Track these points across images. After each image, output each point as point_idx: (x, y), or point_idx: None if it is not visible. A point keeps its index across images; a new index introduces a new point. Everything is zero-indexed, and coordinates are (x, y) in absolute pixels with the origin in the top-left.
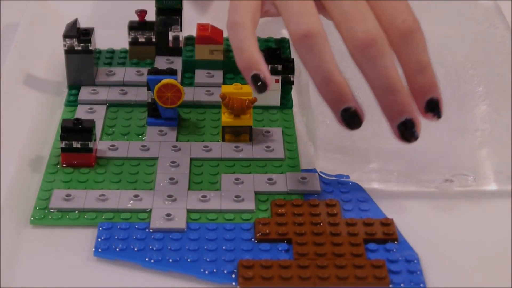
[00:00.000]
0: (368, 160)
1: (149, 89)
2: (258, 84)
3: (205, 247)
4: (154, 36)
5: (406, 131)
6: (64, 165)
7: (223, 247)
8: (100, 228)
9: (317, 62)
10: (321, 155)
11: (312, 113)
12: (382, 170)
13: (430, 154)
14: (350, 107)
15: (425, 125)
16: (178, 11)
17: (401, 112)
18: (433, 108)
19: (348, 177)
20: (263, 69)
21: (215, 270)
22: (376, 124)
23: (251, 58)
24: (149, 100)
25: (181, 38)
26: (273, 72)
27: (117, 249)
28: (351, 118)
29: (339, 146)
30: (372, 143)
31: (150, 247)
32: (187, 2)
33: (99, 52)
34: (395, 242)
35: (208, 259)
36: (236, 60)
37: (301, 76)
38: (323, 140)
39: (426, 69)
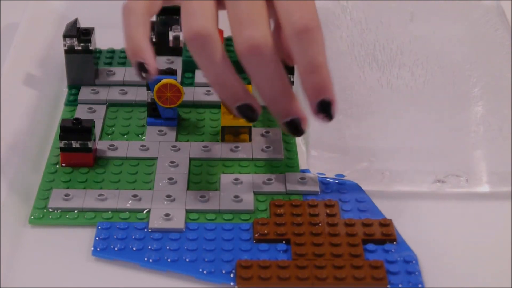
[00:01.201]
0: (360, 159)
1: (148, 89)
2: (141, 72)
3: (204, 247)
4: (154, 36)
5: (292, 128)
6: (63, 164)
7: (222, 247)
8: (99, 228)
9: (207, 64)
10: (313, 154)
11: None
12: (374, 169)
13: (423, 154)
14: (243, 104)
15: (420, 125)
16: (178, 11)
17: (286, 115)
18: (324, 109)
19: (342, 175)
20: (148, 57)
21: (213, 270)
22: (369, 123)
23: (137, 46)
24: (149, 100)
25: (181, 38)
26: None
27: (116, 249)
28: (246, 113)
29: (332, 145)
30: (364, 142)
31: (149, 247)
32: None
33: (99, 52)
34: (394, 242)
35: (206, 259)
36: (125, 46)
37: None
38: (315, 138)
39: (319, 69)
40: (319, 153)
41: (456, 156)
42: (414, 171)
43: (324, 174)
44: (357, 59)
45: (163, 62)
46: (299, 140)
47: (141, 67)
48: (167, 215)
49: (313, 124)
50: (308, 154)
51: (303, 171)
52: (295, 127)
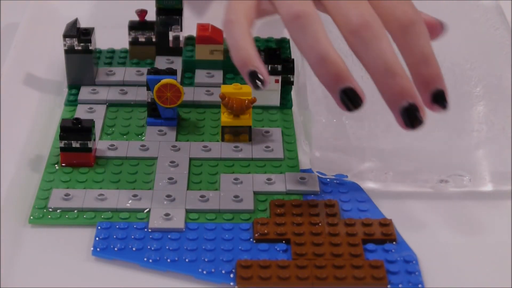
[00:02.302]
0: (364, 159)
1: (148, 89)
2: (256, 80)
3: (204, 247)
4: (154, 36)
5: (410, 116)
6: (63, 164)
7: (222, 247)
8: (99, 228)
9: (311, 42)
10: (316, 155)
11: (309, 112)
12: (377, 169)
13: (426, 154)
14: (348, 87)
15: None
16: (178, 11)
17: (401, 96)
18: (438, 99)
19: (346, 176)
20: (260, 66)
21: (213, 270)
22: (373, 123)
23: (247, 55)
24: (149, 100)
25: (181, 38)
26: (273, 72)
27: (116, 249)
28: (351, 98)
29: (335, 145)
30: (368, 142)
31: (149, 246)
32: (187, 2)
33: (99, 52)
34: (394, 242)
35: (206, 259)
36: (232, 58)
37: (300, 76)
38: (318, 139)
39: (430, 60)
40: (322, 154)
41: (459, 156)
42: (417, 171)
43: (325, 174)
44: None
45: (163, 62)
46: (301, 140)
47: (254, 75)
48: (167, 215)
49: (316, 125)
50: (311, 155)
51: (303, 171)
52: (413, 114)
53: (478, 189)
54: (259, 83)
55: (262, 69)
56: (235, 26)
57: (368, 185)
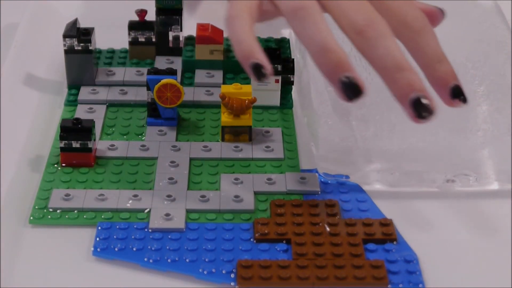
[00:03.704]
0: (370, 160)
1: (148, 89)
2: (258, 72)
3: (204, 247)
4: (154, 36)
5: (420, 107)
6: (63, 165)
7: (222, 247)
8: (99, 228)
9: (311, 32)
10: (323, 156)
11: (314, 114)
12: (384, 170)
13: (432, 154)
14: (349, 76)
15: (428, 125)
16: (178, 11)
17: (410, 88)
18: (458, 93)
19: (348, 177)
20: (262, 58)
21: (213, 270)
22: (378, 124)
23: (249, 48)
24: (149, 100)
25: (181, 38)
26: (273, 72)
27: (116, 249)
28: (351, 87)
29: (341, 147)
30: (373, 143)
31: (149, 247)
32: (187, 2)
33: (99, 52)
34: (394, 242)
35: (207, 259)
36: (235, 52)
37: (302, 76)
38: (324, 140)
39: (443, 58)
40: (329, 155)
41: (464, 155)
42: (423, 171)
43: (332, 176)
44: (362, 61)
45: (163, 62)
46: (302, 140)
47: (257, 67)
48: (167, 215)
49: (322, 126)
50: (317, 156)
51: (304, 170)
52: (423, 105)
53: (484, 188)
54: (261, 74)
55: (264, 61)
56: (237, 20)
57: (375, 186)
